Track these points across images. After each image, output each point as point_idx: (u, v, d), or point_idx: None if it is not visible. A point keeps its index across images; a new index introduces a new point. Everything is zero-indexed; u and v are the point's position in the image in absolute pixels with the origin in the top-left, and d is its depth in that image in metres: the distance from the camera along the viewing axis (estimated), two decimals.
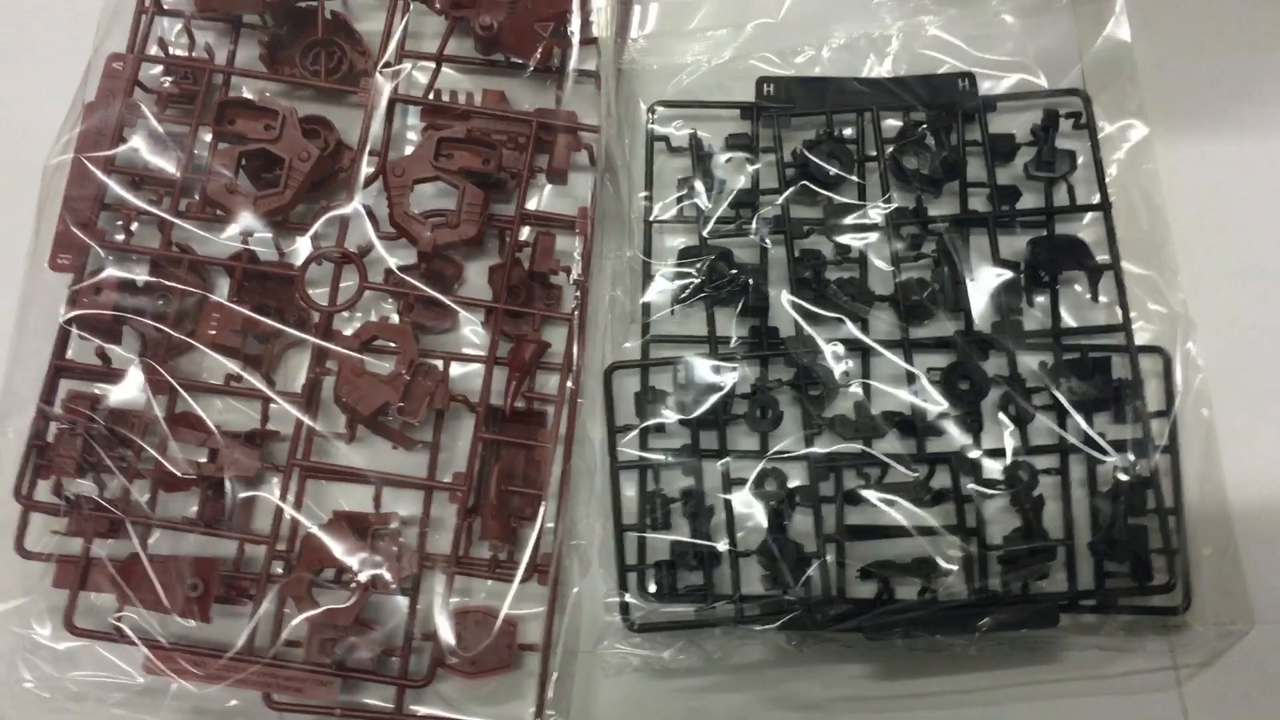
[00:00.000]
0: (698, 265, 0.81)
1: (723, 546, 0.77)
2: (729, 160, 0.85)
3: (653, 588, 0.78)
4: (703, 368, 0.79)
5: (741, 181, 0.84)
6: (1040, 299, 0.82)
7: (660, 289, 0.82)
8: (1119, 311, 0.80)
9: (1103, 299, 0.81)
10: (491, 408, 0.79)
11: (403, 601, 0.76)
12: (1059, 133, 0.84)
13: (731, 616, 0.76)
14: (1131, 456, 0.78)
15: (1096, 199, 0.83)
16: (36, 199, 0.81)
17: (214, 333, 0.78)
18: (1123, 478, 0.77)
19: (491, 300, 0.81)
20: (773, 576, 0.77)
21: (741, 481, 0.78)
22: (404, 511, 0.78)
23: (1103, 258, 0.81)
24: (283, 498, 0.77)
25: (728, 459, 0.79)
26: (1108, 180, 0.83)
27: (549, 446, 0.78)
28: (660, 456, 0.79)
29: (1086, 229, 0.83)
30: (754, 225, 0.82)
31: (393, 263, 0.80)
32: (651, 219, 0.83)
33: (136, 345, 0.80)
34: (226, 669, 0.75)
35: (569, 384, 0.78)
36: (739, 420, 0.80)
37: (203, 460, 0.77)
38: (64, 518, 0.77)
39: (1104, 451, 0.78)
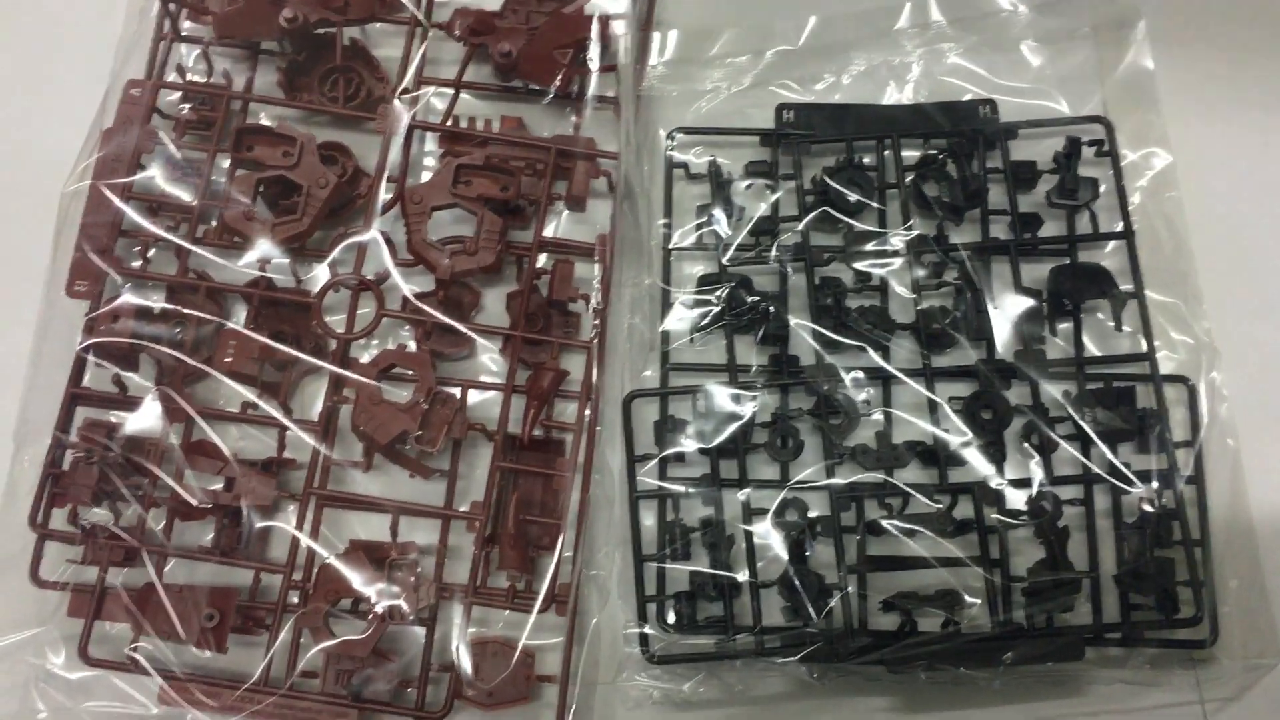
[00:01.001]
0: (717, 293, 0.81)
1: (743, 577, 0.76)
2: (748, 187, 0.84)
3: (672, 619, 0.77)
4: (722, 396, 0.79)
5: (761, 208, 0.83)
6: (1063, 327, 0.81)
7: (679, 317, 0.81)
8: (1143, 340, 0.80)
9: (1126, 328, 0.80)
10: (509, 436, 0.78)
11: (420, 632, 0.75)
12: (1081, 160, 0.83)
13: (752, 648, 0.76)
14: (1156, 487, 0.77)
15: (1119, 227, 0.82)
16: (54, 226, 0.80)
17: (231, 360, 0.77)
18: (1148, 509, 0.76)
19: (509, 328, 0.80)
20: (794, 608, 0.76)
21: (762, 511, 0.77)
22: (421, 540, 0.78)
23: (1126, 286, 0.80)
24: (299, 527, 0.77)
25: (748, 489, 0.78)
26: (1131, 208, 0.83)
27: (567, 475, 0.77)
28: (680, 486, 0.78)
29: (1109, 257, 0.83)
30: (774, 252, 0.82)
31: (408, 290, 0.80)
32: (671, 246, 0.83)
33: (153, 372, 0.80)
34: (242, 700, 0.74)
35: (587, 412, 0.78)
36: (759, 449, 0.79)
37: (219, 489, 0.77)
38: (79, 546, 0.77)
39: (1129, 482, 0.77)
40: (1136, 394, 0.79)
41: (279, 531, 0.79)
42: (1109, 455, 0.77)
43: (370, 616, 0.74)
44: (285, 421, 0.78)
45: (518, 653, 0.74)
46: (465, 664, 0.74)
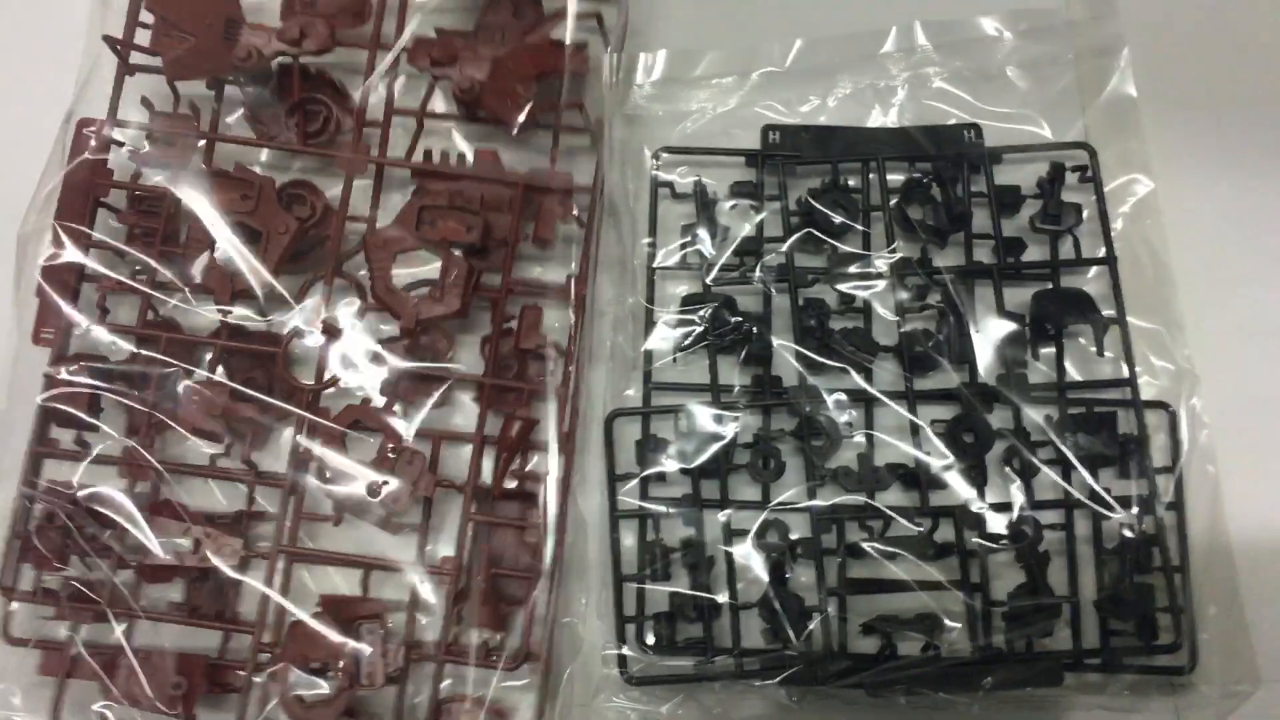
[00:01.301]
0: (701, 313, 0.81)
1: (723, 599, 0.76)
2: (733, 207, 0.84)
3: (651, 640, 0.76)
4: (705, 416, 0.78)
5: (746, 229, 0.83)
6: (1045, 352, 0.81)
7: (662, 336, 0.81)
8: (1124, 366, 0.80)
9: (1108, 354, 0.80)
10: (481, 488, 0.77)
11: (390, 692, 0.74)
12: (1065, 186, 0.84)
13: (731, 670, 0.75)
14: (1137, 512, 0.77)
15: (1102, 252, 0.82)
16: (13, 268, 0.79)
17: (193, 417, 0.76)
18: (1128, 534, 0.76)
19: (481, 375, 0.79)
20: (774, 630, 0.76)
21: (743, 532, 0.77)
22: (393, 595, 0.76)
23: (1108, 312, 0.81)
24: (269, 584, 0.75)
25: (729, 510, 0.78)
26: (1113, 234, 0.83)
27: (538, 528, 0.75)
28: (661, 506, 0.78)
29: (1092, 282, 0.83)
30: (758, 273, 0.81)
31: (364, 350, 0.78)
32: (655, 265, 0.83)
33: (122, 422, 0.78)
34: None
35: (556, 464, 0.77)
36: (741, 470, 0.79)
37: (185, 547, 0.75)
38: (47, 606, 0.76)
39: (1109, 507, 0.77)
40: (1118, 419, 0.79)
41: (249, 587, 0.77)
42: (1089, 480, 0.77)
43: (339, 677, 0.72)
44: (251, 479, 0.77)
45: (486, 713, 0.73)
46: None
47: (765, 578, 0.76)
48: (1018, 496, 0.77)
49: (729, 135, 0.87)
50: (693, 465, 0.78)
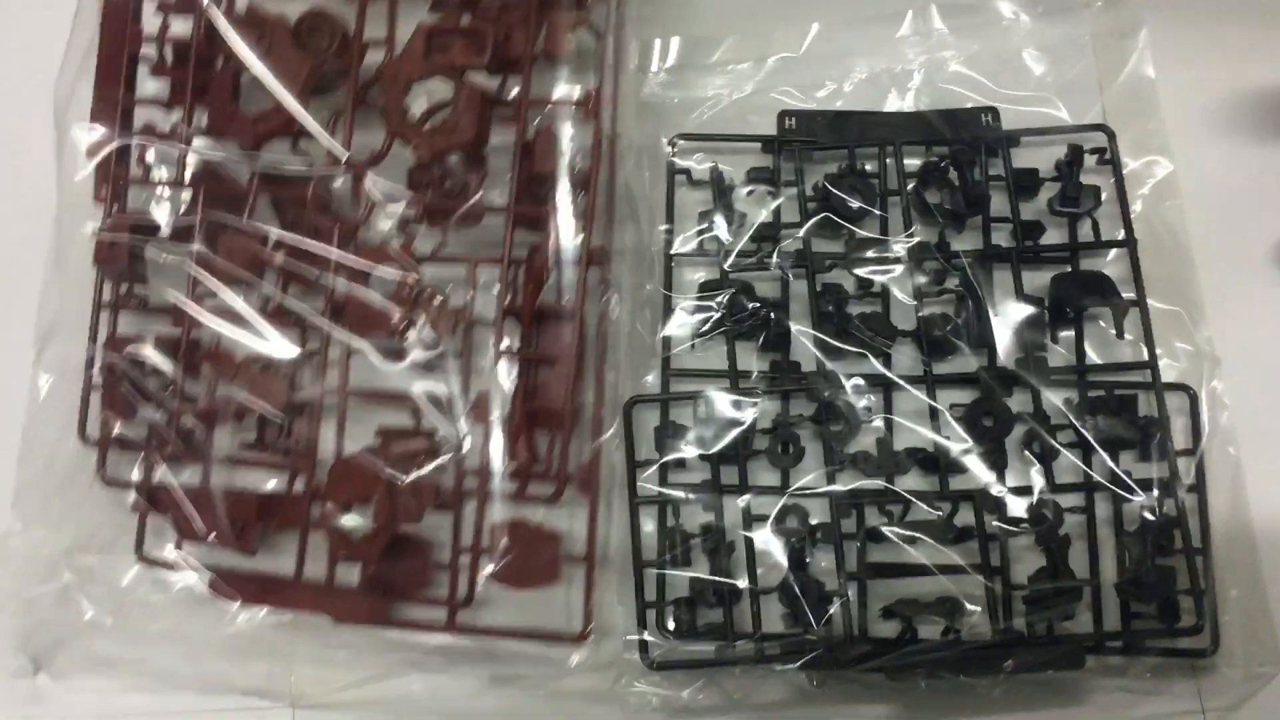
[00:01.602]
0: (718, 299, 0.81)
1: (743, 584, 0.76)
2: (750, 193, 0.84)
3: (672, 625, 0.77)
4: (723, 402, 0.79)
5: (763, 215, 0.83)
6: (1065, 335, 0.81)
7: (681, 322, 0.81)
8: (1144, 348, 0.80)
9: (1128, 336, 0.80)
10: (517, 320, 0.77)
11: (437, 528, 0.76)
12: (1083, 168, 0.83)
13: (752, 655, 0.75)
14: (1158, 495, 0.77)
15: (1121, 235, 0.82)
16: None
17: (229, 260, 0.77)
18: (1149, 517, 0.76)
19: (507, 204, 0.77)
20: (794, 615, 0.76)
21: (762, 518, 0.77)
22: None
23: (1128, 295, 0.80)
24: (319, 424, 0.77)
25: (748, 495, 0.78)
26: (1132, 216, 0.82)
27: (567, 356, 0.75)
28: (680, 492, 0.78)
29: (1111, 265, 0.83)
30: (775, 259, 0.81)
31: (378, 193, 0.77)
32: (672, 252, 0.83)
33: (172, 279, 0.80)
34: (285, 597, 0.75)
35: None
36: (760, 455, 0.79)
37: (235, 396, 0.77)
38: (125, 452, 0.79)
39: (1130, 490, 0.77)
40: (1138, 402, 0.79)
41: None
42: (1110, 463, 0.77)
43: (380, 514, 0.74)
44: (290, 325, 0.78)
45: (542, 532, 0.75)
46: (494, 547, 0.74)
47: (785, 563, 0.76)
48: (1038, 480, 0.77)
49: (745, 121, 0.87)
50: (712, 451, 0.78)
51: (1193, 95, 0.88)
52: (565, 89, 0.79)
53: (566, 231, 0.77)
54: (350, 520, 0.74)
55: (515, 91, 0.78)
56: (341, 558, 0.75)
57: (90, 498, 0.80)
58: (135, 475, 0.79)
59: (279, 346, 0.78)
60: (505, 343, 0.76)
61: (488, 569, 0.74)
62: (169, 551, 0.78)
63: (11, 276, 0.84)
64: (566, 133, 0.78)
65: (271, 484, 0.79)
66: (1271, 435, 0.81)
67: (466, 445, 0.76)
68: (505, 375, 0.76)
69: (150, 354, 0.78)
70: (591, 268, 0.77)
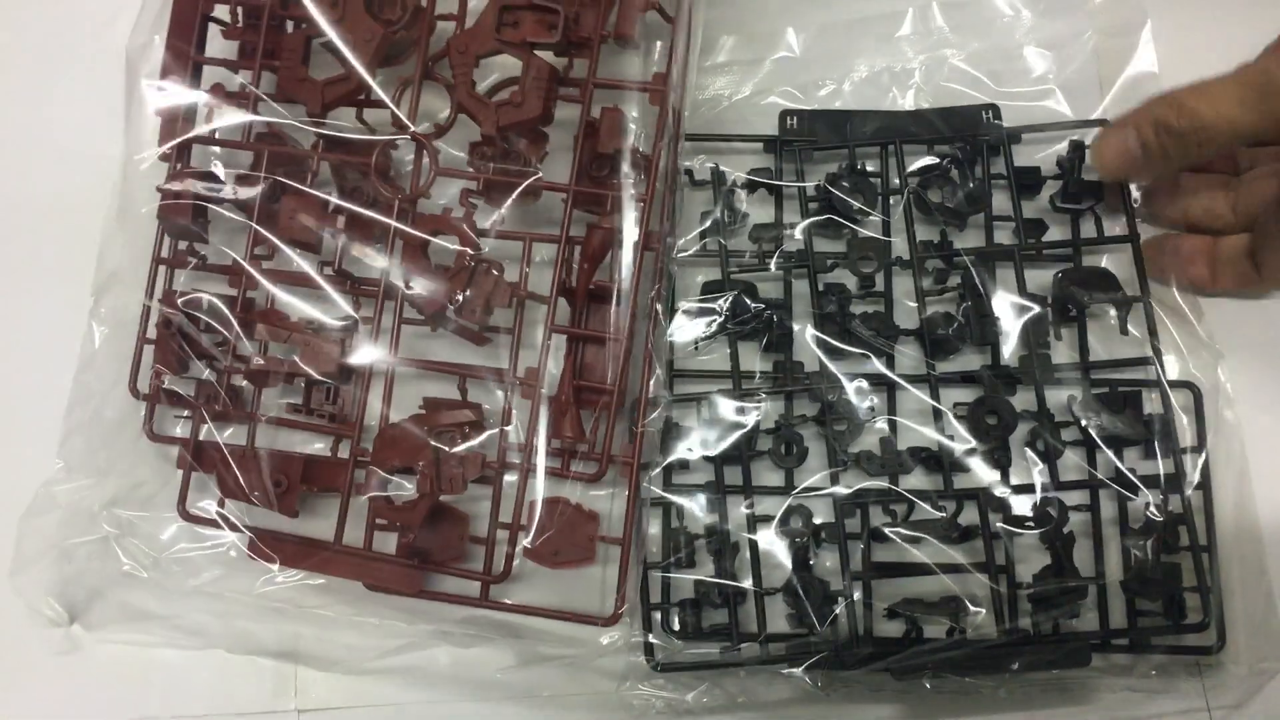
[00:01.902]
0: (721, 300, 0.81)
1: (748, 585, 0.76)
2: (752, 194, 0.84)
3: (677, 626, 0.77)
4: (726, 404, 0.78)
5: (765, 216, 0.83)
6: (1068, 332, 0.81)
7: (683, 325, 0.81)
8: (1148, 345, 0.79)
9: (1133, 332, 0.80)
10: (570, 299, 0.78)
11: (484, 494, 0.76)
12: (1085, 165, 0.83)
13: (757, 657, 0.75)
14: (1163, 493, 0.76)
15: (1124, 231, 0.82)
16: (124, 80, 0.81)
17: (289, 226, 0.77)
18: (1155, 515, 0.76)
19: (565, 183, 0.77)
20: (799, 616, 0.76)
21: (767, 519, 0.77)
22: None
23: (1133, 294, 0.80)
24: (365, 389, 0.77)
25: (752, 496, 0.78)
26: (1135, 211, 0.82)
27: (615, 333, 0.75)
28: (683, 499, 0.78)
29: (1116, 262, 0.83)
30: (776, 259, 0.81)
31: (452, 157, 0.78)
32: (675, 254, 0.82)
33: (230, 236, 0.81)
34: (323, 561, 0.76)
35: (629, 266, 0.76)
36: (763, 456, 0.79)
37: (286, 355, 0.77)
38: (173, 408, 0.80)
39: (1135, 488, 0.77)
40: (1143, 399, 0.79)
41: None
42: (1115, 461, 0.77)
43: (424, 481, 0.74)
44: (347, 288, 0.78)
45: (576, 511, 0.75)
46: (531, 523, 0.74)
47: (789, 564, 0.76)
48: (1041, 479, 0.77)
49: (746, 122, 0.86)
50: (715, 453, 0.78)
51: None
52: (632, 72, 0.79)
53: (625, 214, 0.76)
54: (395, 487, 0.75)
55: (580, 71, 0.79)
56: (382, 525, 0.75)
57: (135, 451, 0.81)
58: (181, 431, 0.79)
59: (333, 311, 0.78)
60: (556, 321, 0.77)
61: (524, 543, 0.74)
62: (211, 509, 0.78)
63: (76, 225, 0.85)
64: (631, 114, 0.78)
65: (316, 447, 0.81)
66: (1278, 432, 0.80)
67: (513, 420, 0.76)
68: (555, 352, 0.77)
69: (205, 312, 0.78)
70: (647, 251, 0.77)
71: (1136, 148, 0.75)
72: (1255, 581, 0.77)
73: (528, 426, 0.75)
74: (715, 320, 0.80)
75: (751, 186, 0.84)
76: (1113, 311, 0.81)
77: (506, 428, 0.76)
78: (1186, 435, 0.79)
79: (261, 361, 0.77)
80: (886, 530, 0.76)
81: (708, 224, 0.83)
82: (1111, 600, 0.76)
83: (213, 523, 0.78)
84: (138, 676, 0.80)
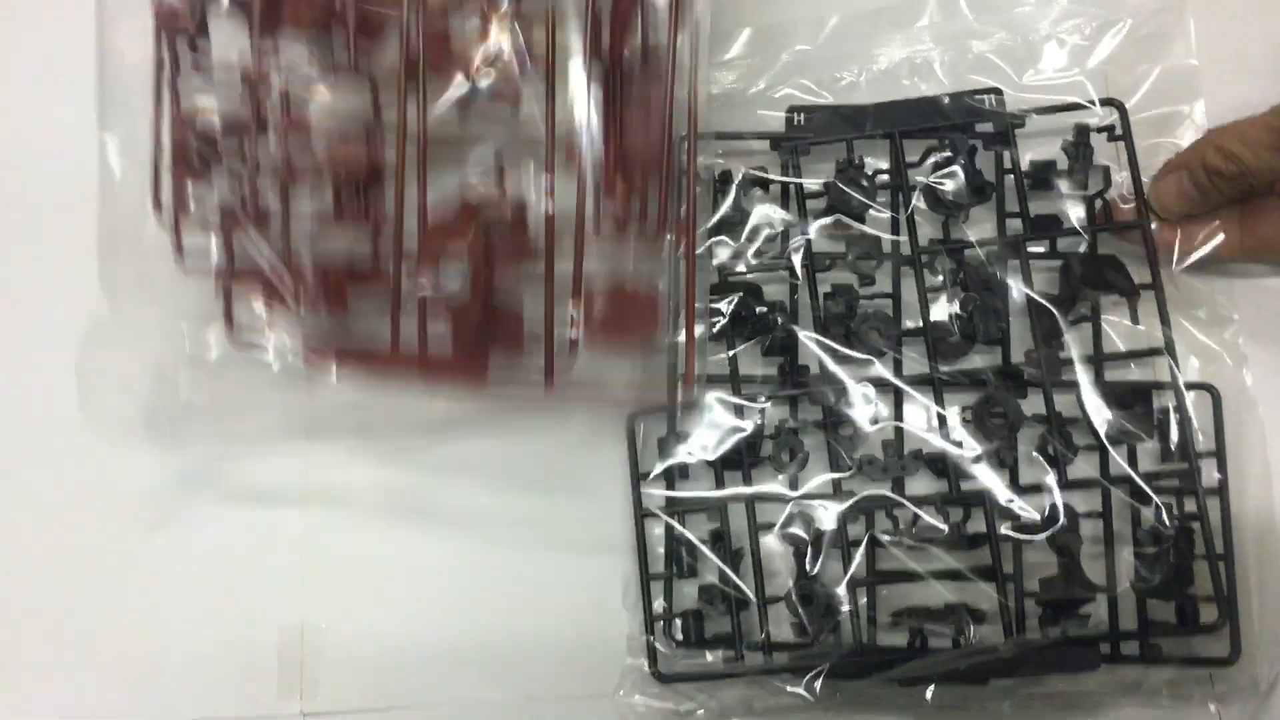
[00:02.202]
0: (725, 302, 0.79)
1: (750, 592, 0.75)
2: (757, 193, 0.82)
3: (679, 635, 0.76)
4: (728, 409, 0.77)
5: (769, 215, 0.81)
6: (1079, 330, 0.78)
7: None
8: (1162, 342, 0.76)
9: (1141, 325, 0.77)
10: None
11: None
12: (1096, 149, 0.80)
13: (760, 666, 0.74)
14: (1177, 496, 0.73)
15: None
16: None
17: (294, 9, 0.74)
18: (1168, 520, 0.73)
19: None
20: (802, 624, 0.74)
21: (768, 525, 0.76)
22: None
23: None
24: (400, 183, 0.73)
25: (754, 503, 0.76)
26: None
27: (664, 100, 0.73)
28: (683, 509, 0.77)
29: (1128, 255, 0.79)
30: (784, 259, 0.80)
31: None
32: (679, 254, 0.81)
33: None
34: (381, 366, 0.74)
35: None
36: (765, 462, 0.77)
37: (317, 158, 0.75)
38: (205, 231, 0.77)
39: (1148, 491, 0.73)
40: (1153, 395, 0.76)
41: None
42: (1125, 466, 0.74)
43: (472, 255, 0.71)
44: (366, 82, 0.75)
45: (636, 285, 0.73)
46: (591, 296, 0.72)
47: (792, 570, 0.75)
48: (1050, 481, 0.74)
49: (758, 118, 0.85)
50: (716, 458, 0.76)
51: (1236, 86, 0.82)
52: None
53: None
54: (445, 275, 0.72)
55: None
56: (437, 316, 0.72)
57: (174, 275, 0.78)
58: (215, 249, 0.76)
59: (351, 102, 0.75)
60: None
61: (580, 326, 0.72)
62: (259, 320, 0.75)
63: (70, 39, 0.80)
64: None
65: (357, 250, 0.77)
66: None
67: (552, 191, 0.72)
68: (595, 116, 0.73)
69: (217, 118, 0.75)
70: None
71: (1194, 191, 0.77)
72: (1272, 589, 0.74)
73: (578, 190, 0.71)
74: (720, 322, 0.79)
75: (760, 184, 0.82)
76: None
77: (550, 198, 0.72)
78: (1199, 437, 0.75)
79: (285, 162, 0.73)
80: (890, 539, 0.75)
81: (712, 224, 0.81)
82: (1122, 607, 0.73)
83: (262, 338, 0.75)
84: (145, 673, 0.80)
